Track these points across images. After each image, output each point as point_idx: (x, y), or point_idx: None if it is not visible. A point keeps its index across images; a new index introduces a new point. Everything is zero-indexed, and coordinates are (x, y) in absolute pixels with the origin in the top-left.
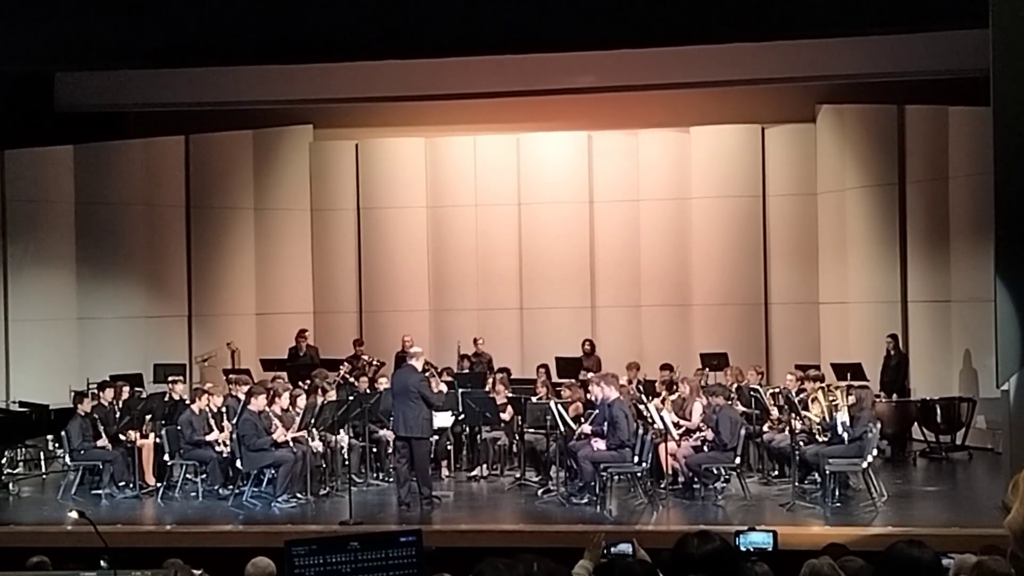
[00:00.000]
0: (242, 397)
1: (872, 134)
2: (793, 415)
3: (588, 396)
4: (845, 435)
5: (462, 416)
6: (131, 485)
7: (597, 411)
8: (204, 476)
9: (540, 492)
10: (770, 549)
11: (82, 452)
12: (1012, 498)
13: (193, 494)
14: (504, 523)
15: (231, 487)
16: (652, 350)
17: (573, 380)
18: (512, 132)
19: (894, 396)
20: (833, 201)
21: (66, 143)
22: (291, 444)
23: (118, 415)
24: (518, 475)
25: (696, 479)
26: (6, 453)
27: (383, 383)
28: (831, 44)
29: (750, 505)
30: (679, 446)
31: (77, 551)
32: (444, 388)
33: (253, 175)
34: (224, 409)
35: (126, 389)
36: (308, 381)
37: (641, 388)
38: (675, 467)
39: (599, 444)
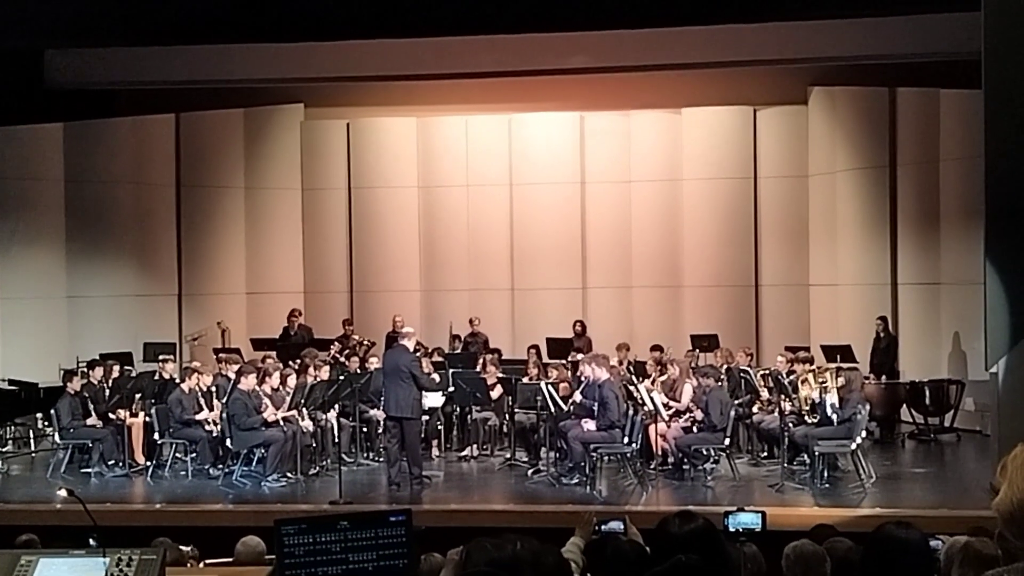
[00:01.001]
0: (232, 376)
1: (863, 116)
2: (783, 396)
3: (578, 375)
4: (834, 417)
5: (452, 390)
6: (120, 464)
7: (585, 383)
8: (194, 455)
9: (530, 472)
10: (759, 530)
11: (71, 431)
12: (1001, 480)
13: (183, 473)
14: (494, 503)
15: (221, 466)
16: (643, 331)
17: (562, 361)
18: (504, 112)
19: (883, 378)
20: (824, 183)
21: (56, 121)
22: (281, 423)
23: (108, 394)
24: (508, 455)
25: (686, 460)
26: None
27: (374, 363)
28: (823, 26)
29: (739, 486)
30: (669, 427)
31: (66, 529)
32: (436, 377)
33: (244, 154)
34: (214, 388)
35: (116, 368)
36: (298, 361)
37: (631, 369)
38: (665, 448)
39: (589, 425)
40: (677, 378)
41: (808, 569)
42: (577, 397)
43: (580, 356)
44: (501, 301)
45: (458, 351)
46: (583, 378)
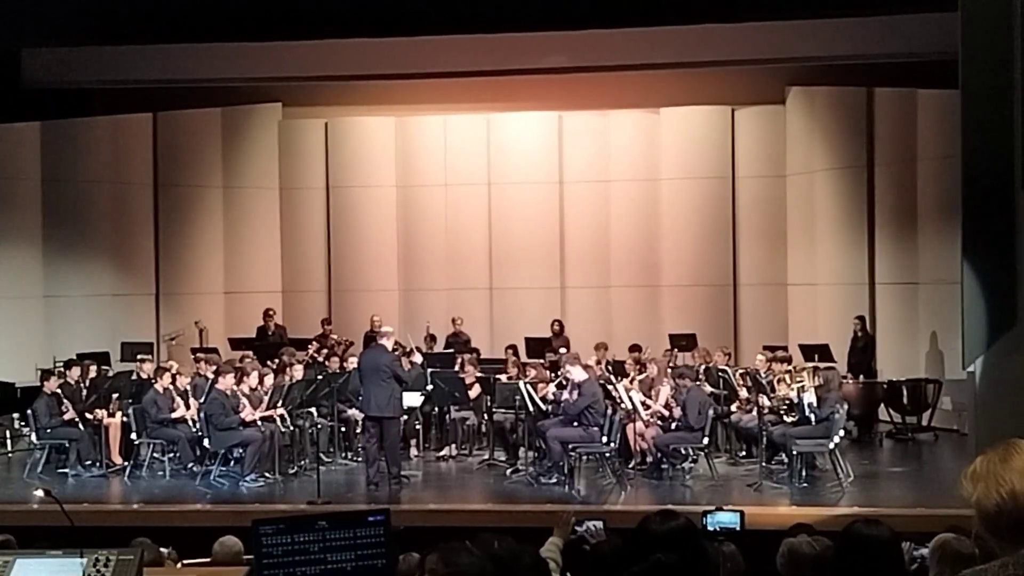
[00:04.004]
0: (210, 376)
1: (841, 116)
2: (761, 396)
3: (562, 374)
4: (812, 416)
5: (430, 389)
6: (98, 464)
7: (570, 384)
8: (172, 455)
9: (508, 472)
10: (737, 529)
11: (48, 431)
12: (970, 487)
13: (160, 473)
14: (472, 503)
15: (202, 464)
16: (621, 331)
17: (541, 360)
18: (482, 112)
19: (861, 377)
20: (802, 183)
21: (32, 120)
22: (259, 423)
23: (85, 394)
24: (487, 455)
25: (664, 459)
26: None
27: (352, 363)
28: (801, 26)
29: (718, 485)
30: (647, 427)
31: (43, 530)
32: (419, 358)
33: (221, 153)
34: (191, 387)
35: (93, 368)
36: (276, 360)
37: (610, 368)
38: (643, 447)
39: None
40: (656, 377)
41: (799, 565)
42: (551, 389)
43: (562, 352)
44: (479, 300)
45: (434, 351)
46: (565, 378)
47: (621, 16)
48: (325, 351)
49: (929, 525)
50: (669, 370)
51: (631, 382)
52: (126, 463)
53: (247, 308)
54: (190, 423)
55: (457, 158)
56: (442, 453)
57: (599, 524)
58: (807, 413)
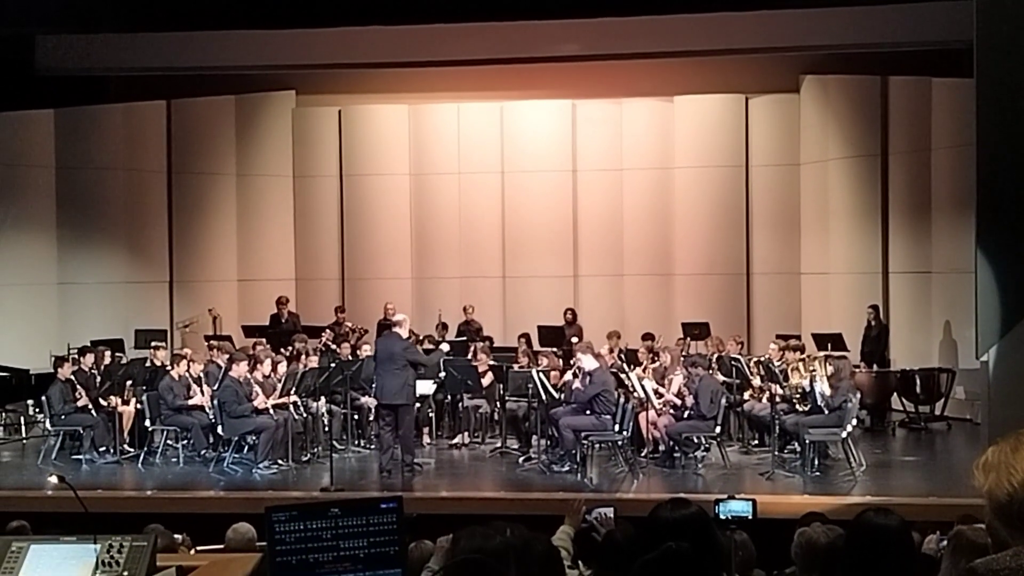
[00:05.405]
0: (223, 363)
1: (855, 105)
2: (773, 384)
3: (575, 364)
4: (825, 405)
5: (443, 376)
6: (111, 450)
7: (584, 373)
8: (185, 442)
9: (521, 460)
10: (749, 517)
11: (63, 417)
12: (982, 477)
13: (174, 460)
14: (485, 491)
15: (215, 451)
16: (634, 319)
17: (553, 348)
18: (496, 100)
19: (874, 366)
20: (816, 172)
21: (46, 107)
22: (271, 411)
23: (98, 380)
24: (499, 443)
25: (676, 448)
26: None
27: (366, 350)
28: (815, 14)
29: (730, 474)
30: (659, 415)
31: (57, 516)
32: (446, 347)
33: (235, 141)
34: (204, 375)
35: (107, 354)
36: (289, 348)
37: (623, 357)
38: (656, 436)
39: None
40: (668, 366)
41: (814, 554)
42: (572, 382)
43: (574, 340)
44: (492, 289)
45: (445, 339)
46: (578, 367)
47: (635, 4)
48: (338, 338)
49: (941, 514)
50: (682, 358)
51: (644, 370)
52: (133, 450)
53: (260, 296)
54: (206, 410)
55: (470, 146)
56: (455, 441)
57: (609, 511)
58: (820, 402)
